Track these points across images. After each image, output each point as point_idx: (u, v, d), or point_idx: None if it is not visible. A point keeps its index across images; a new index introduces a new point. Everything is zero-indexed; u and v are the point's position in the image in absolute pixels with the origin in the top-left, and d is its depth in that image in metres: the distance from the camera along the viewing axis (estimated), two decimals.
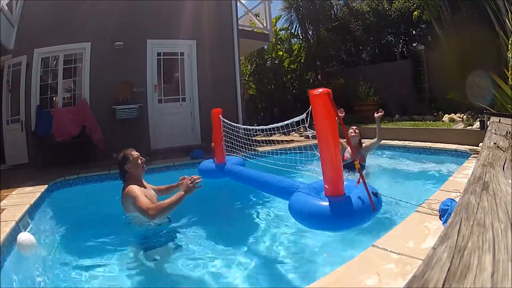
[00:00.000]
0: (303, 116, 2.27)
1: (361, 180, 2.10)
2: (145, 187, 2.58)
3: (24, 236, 2.02)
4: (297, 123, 2.50)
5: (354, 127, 4.01)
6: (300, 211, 2.14)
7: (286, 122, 2.60)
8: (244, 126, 3.63)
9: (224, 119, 3.71)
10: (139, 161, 2.60)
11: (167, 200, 2.17)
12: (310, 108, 2.13)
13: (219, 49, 6.87)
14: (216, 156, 3.78)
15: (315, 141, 2.23)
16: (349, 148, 3.39)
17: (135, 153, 2.61)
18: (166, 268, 2.12)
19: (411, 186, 3.59)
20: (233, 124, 3.74)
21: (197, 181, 2.24)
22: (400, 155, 5.16)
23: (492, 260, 0.49)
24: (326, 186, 2.15)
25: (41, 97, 5.77)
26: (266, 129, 3.08)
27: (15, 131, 5.75)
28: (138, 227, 2.42)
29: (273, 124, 2.92)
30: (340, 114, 3.32)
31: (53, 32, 5.67)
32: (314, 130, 2.19)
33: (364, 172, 3.22)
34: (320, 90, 2.04)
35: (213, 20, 6.80)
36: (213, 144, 3.82)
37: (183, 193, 2.18)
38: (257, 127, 3.43)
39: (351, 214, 2.00)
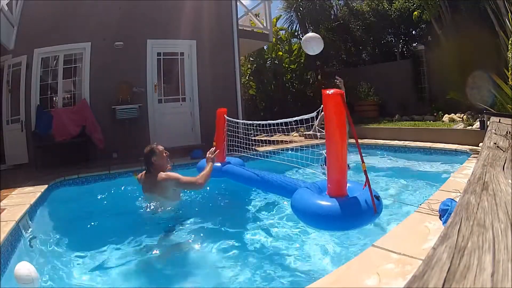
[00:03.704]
0: (313, 114, 2.29)
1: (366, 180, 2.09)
2: None
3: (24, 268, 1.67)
4: (298, 122, 2.51)
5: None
6: (302, 210, 2.15)
7: (294, 119, 2.61)
8: (249, 122, 3.65)
9: (229, 118, 3.73)
10: (164, 154, 2.94)
11: (206, 169, 2.85)
12: (321, 107, 2.14)
13: (219, 49, 6.87)
14: (217, 155, 3.78)
15: (315, 141, 2.23)
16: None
17: (160, 147, 2.95)
18: (166, 267, 2.12)
19: (411, 186, 3.59)
20: (237, 120, 3.77)
21: (212, 151, 3.04)
22: (400, 155, 5.16)
23: (492, 260, 0.49)
24: (329, 185, 2.15)
25: (41, 97, 5.77)
26: (269, 127, 3.10)
27: (15, 131, 5.74)
28: (166, 210, 2.79)
29: (274, 126, 2.94)
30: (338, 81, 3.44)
31: (53, 32, 5.67)
32: (317, 129, 2.19)
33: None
34: (333, 90, 2.06)
35: (213, 20, 6.80)
36: (214, 143, 3.83)
37: (210, 162, 2.93)
38: (261, 122, 3.40)
39: (353, 215, 2.00)
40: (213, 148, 3.11)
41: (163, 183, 2.75)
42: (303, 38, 3.45)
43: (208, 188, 3.85)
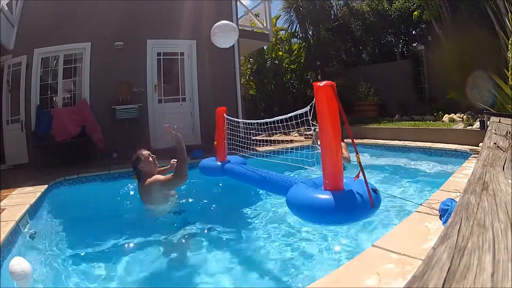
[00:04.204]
0: (307, 108, 2.26)
1: (360, 176, 2.08)
2: None
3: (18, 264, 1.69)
4: (300, 122, 2.50)
5: None
6: (297, 204, 2.13)
7: (290, 115, 2.60)
8: (248, 121, 3.65)
9: (228, 117, 3.74)
10: (150, 158, 2.84)
11: (176, 162, 2.65)
12: (313, 101, 2.12)
13: (219, 49, 6.83)
14: (218, 154, 3.79)
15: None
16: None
17: (145, 152, 2.85)
18: (166, 268, 2.12)
19: (411, 186, 3.58)
20: (237, 120, 3.77)
21: (167, 128, 2.63)
22: (400, 155, 5.16)
23: (492, 260, 0.49)
24: (325, 180, 2.14)
25: (41, 97, 5.78)
26: (267, 126, 3.08)
27: (15, 131, 5.75)
28: (161, 216, 2.76)
29: (273, 124, 2.93)
30: None
31: (53, 32, 5.67)
32: (316, 123, 2.17)
33: None
34: (324, 82, 2.05)
35: (213, 20, 6.70)
36: (215, 142, 3.84)
37: (176, 145, 2.59)
38: (259, 121, 3.41)
39: (349, 209, 1.98)
40: (166, 125, 2.72)
41: (149, 188, 2.71)
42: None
43: (208, 187, 3.86)
